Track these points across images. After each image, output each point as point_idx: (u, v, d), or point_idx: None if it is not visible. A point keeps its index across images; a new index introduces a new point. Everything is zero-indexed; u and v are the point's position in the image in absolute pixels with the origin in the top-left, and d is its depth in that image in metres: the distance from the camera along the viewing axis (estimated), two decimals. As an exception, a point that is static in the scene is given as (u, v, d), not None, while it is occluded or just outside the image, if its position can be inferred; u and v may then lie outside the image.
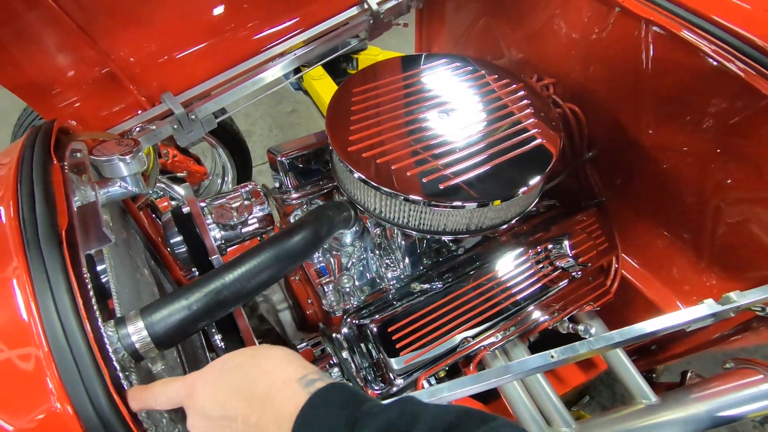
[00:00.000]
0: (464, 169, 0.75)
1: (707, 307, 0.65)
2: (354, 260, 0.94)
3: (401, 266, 0.92)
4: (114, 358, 0.46)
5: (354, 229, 0.93)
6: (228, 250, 1.01)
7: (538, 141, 0.80)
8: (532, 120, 0.84)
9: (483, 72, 0.94)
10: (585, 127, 1.01)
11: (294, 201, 1.03)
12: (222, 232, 1.00)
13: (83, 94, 0.89)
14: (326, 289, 0.91)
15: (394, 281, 0.91)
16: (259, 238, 1.08)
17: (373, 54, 2.60)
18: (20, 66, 0.78)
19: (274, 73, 1.09)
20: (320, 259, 0.96)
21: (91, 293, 0.48)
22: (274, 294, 0.95)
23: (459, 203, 0.71)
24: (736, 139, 0.77)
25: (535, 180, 0.74)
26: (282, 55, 1.10)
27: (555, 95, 1.03)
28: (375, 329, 0.77)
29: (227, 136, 1.63)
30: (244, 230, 1.03)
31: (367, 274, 0.94)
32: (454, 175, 0.74)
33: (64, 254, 0.48)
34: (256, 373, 0.43)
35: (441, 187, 0.72)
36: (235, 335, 0.79)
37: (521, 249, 0.91)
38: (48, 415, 0.43)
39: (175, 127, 0.96)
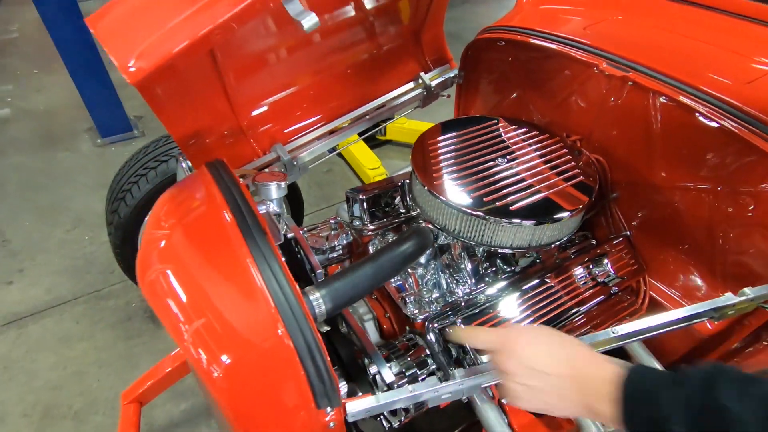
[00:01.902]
0: (525, 197, 0.98)
1: (726, 298, 0.84)
2: (428, 277, 1.13)
3: (468, 282, 1.11)
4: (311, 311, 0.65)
5: (430, 251, 1.14)
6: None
7: (580, 179, 1.04)
8: (572, 164, 1.08)
9: (526, 129, 1.20)
10: (608, 173, 1.25)
11: (370, 232, 1.24)
12: (315, 256, 1.20)
13: (216, 144, 1.13)
14: (408, 300, 1.09)
15: (463, 295, 1.09)
16: (340, 264, 1.27)
17: (399, 122, 2.94)
18: (184, 121, 1.03)
19: (345, 135, 1.35)
20: (397, 278, 1.15)
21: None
22: (360, 307, 1.12)
23: (520, 221, 0.92)
24: (733, 177, 1.01)
25: (581, 205, 0.96)
26: (352, 122, 1.38)
27: (582, 148, 1.29)
28: (460, 322, 0.94)
29: (294, 192, 1.88)
30: (331, 255, 1.24)
31: (439, 289, 1.12)
32: (516, 201, 0.96)
33: (272, 243, 0.68)
34: (563, 342, 0.60)
35: (510, 209, 0.94)
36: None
37: (566, 267, 1.11)
38: (276, 343, 0.61)
39: (281, 169, 1.20)
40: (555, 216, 0.94)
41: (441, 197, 0.98)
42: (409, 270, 1.15)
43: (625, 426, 0.52)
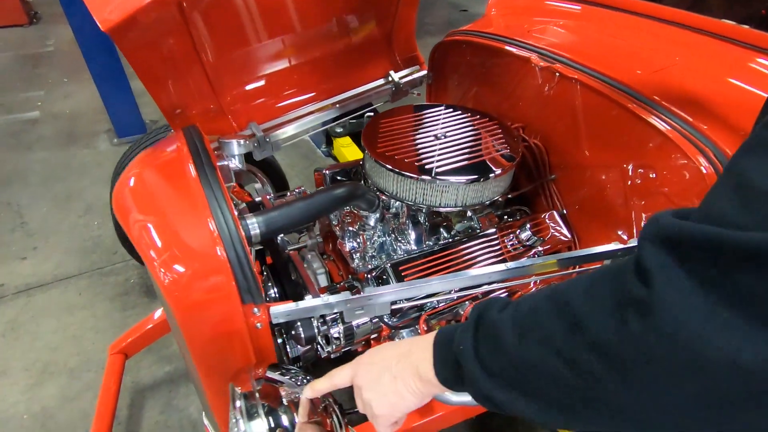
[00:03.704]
0: (456, 161, 1.13)
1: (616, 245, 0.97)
2: (375, 239, 1.28)
3: (410, 245, 1.26)
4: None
5: (376, 215, 1.29)
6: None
7: (505, 150, 1.19)
8: (501, 139, 1.24)
9: (469, 114, 1.36)
10: (546, 156, 1.39)
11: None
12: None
13: (198, 118, 1.32)
14: (354, 257, 1.24)
15: (403, 254, 1.24)
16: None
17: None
18: (168, 93, 1.22)
19: (316, 120, 1.53)
20: (350, 240, 1.30)
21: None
22: (315, 263, 1.27)
23: (451, 179, 1.07)
24: (638, 153, 1.14)
25: (500, 171, 1.11)
26: (324, 109, 1.56)
27: (524, 134, 1.44)
28: (389, 267, 1.08)
29: (276, 176, 2.06)
30: (294, 221, 1.39)
31: (383, 249, 1.27)
32: (448, 164, 1.12)
33: (220, 182, 0.85)
34: (390, 349, 0.61)
35: (440, 170, 1.10)
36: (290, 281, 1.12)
37: (496, 231, 1.25)
38: (214, 256, 0.77)
39: (256, 144, 1.38)
40: (477, 176, 1.09)
41: (383, 164, 1.14)
42: (360, 232, 1.30)
43: (438, 378, 0.54)
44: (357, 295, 0.86)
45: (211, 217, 0.81)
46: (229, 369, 0.85)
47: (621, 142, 1.18)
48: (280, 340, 1.04)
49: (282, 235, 1.26)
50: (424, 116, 1.35)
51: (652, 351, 0.34)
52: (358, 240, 1.28)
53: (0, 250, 2.38)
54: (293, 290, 1.10)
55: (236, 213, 0.88)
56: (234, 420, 0.68)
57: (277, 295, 1.13)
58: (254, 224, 0.86)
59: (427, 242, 1.27)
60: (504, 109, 1.55)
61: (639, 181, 1.16)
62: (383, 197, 1.29)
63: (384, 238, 1.28)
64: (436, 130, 1.28)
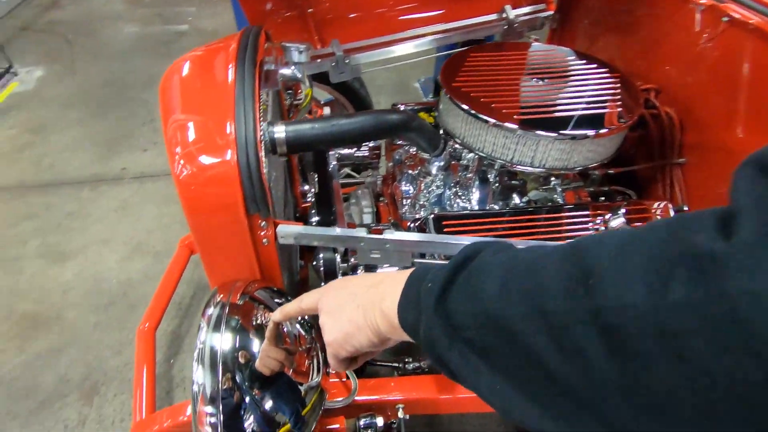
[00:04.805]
0: (547, 111, 0.91)
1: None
2: (433, 188, 1.12)
3: (470, 203, 1.08)
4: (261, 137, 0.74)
5: (439, 163, 1.13)
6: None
7: (617, 110, 0.92)
8: (617, 96, 0.96)
9: (585, 61, 1.09)
10: (678, 130, 1.07)
11: (400, 142, 1.27)
12: (340, 151, 1.28)
13: (282, 28, 1.26)
14: (404, 203, 1.11)
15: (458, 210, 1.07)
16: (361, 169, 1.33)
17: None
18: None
19: (405, 50, 1.37)
20: (406, 183, 1.17)
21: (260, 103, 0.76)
22: (364, 200, 1.17)
23: (538, 132, 0.86)
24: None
25: (599, 131, 0.86)
26: (417, 37, 1.38)
27: (656, 100, 1.12)
28: (432, 217, 0.94)
29: (359, 101, 1.97)
30: (356, 154, 1.30)
31: (439, 202, 1.11)
32: (537, 112, 0.90)
33: (256, 87, 0.77)
34: (364, 277, 0.54)
35: (524, 117, 0.89)
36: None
37: (580, 210, 1.00)
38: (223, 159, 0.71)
39: (333, 65, 1.29)
40: (567, 132, 0.86)
41: (457, 101, 0.96)
42: (419, 178, 1.16)
43: (398, 317, 0.44)
44: (373, 235, 0.74)
45: (233, 119, 0.74)
46: (233, 278, 0.81)
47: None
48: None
49: (335, 162, 1.17)
50: (526, 55, 1.12)
51: (706, 322, 0.22)
52: (415, 185, 1.14)
53: (130, 140, 2.73)
54: (328, 220, 1.02)
55: (267, 119, 0.81)
56: (199, 326, 0.63)
57: (315, 223, 1.07)
58: (281, 131, 0.77)
59: (491, 205, 1.08)
60: (638, 68, 1.22)
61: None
62: (455, 146, 1.12)
63: (443, 190, 1.12)
64: (536, 72, 1.04)
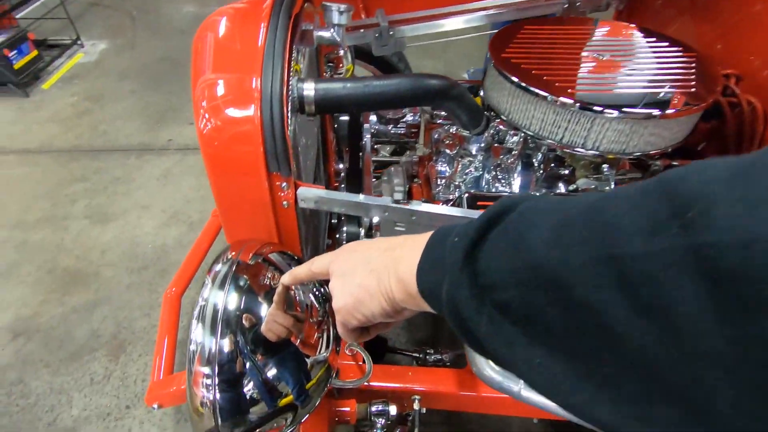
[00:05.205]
0: (606, 86, 0.81)
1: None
2: (471, 170, 1.04)
3: (510, 187, 0.99)
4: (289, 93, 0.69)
5: (480, 143, 1.05)
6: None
7: (689, 90, 0.80)
8: (692, 77, 0.84)
9: (655, 38, 0.97)
10: (761, 124, 0.93)
11: (440, 121, 1.19)
12: (376, 126, 1.22)
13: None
14: (439, 182, 1.03)
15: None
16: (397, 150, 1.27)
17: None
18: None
19: (454, 24, 1.28)
20: (442, 163, 1.10)
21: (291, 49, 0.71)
22: (397, 177, 1.11)
23: (595, 107, 0.77)
24: None
25: (665, 112, 0.75)
26: (469, 12, 1.29)
27: (736, 87, 0.98)
28: (466, 196, 0.86)
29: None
30: (392, 131, 1.24)
31: (476, 185, 1.03)
32: (594, 87, 0.80)
33: (288, 42, 0.72)
34: (381, 240, 0.47)
35: (578, 91, 0.80)
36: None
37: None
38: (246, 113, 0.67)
39: (376, 35, 1.23)
40: (632, 110, 0.76)
41: (505, 72, 0.88)
42: (457, 158, 1.08)
43: (417, 280, 0.38)
44: (398, 204, 0.68)
45: (260, 73, 0.69)
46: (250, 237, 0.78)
47: None
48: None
49: (369, 136, 1.11)
50: (587, 30, 1.01)
51: None
52: (452, 166, 1.06)
53: (177, 114, 2.80)
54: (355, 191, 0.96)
55: (297, 76, 0.76)
56: (203, 283, 0.60)
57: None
58: (311, 89, 0.72)
59: (534, 192, 0.99)
60: (717, 52, 1.08)
61: None
62: (499, 127, 1.03)
63: (482, 173, 1.04)
64: (598, 48, 0.94)
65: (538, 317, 0.25)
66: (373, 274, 0.44)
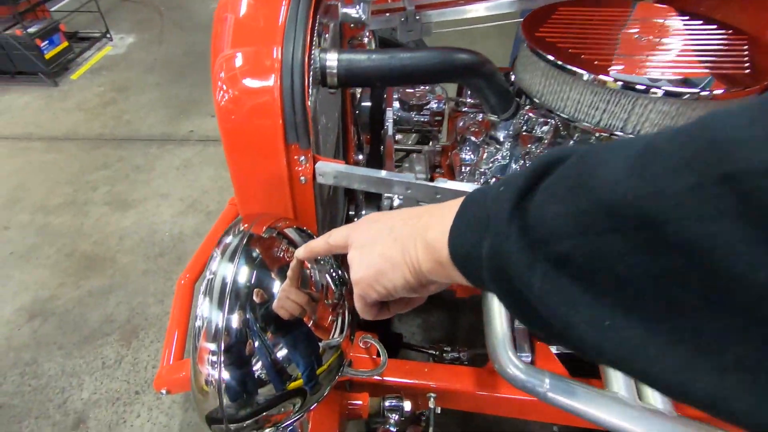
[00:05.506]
0: (649, 66, 0.75)
1: None
2: (498, 158, 0.99)
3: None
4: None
5: (508, 129, 0.99)
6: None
7: (741, 71, 0.74)
8: (745, 57, 0.78)
9: (703, 21, 0.90)
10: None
11: (466, 109, 1.14)
12: (399, 113, 1.18)
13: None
14: (463, 170, 0.98)
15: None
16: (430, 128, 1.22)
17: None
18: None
19: (483, 10, 1.23)
20: (467, 151, 1.05)
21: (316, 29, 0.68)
22: (419, 164, 1.07)
23: (638, 86, 0.71)
24: None
25: (715, 92, 0.69)
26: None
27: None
28: (493, 181, 0.81)
29: None
30: (415, 118, 1.19)
31: (502, 173, 0.98)
32: (636, 66, 0.75)
33: (311, 8, 0.69)
34: (404, 210, 0.44)
35: (616, 69, 0.74)
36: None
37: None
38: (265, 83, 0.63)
39: (402, 20, 1.19)
40: (679, 89, 0.70)
41: (540, 51, 0.83)
42: (483, 146, 1.03)
43: (449, 246, 0.34)
44: (422, 181, 0.64)
45: (281, 42, 0.66)
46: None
47: None
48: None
49: (392, 120, 1.07)
50: (627, 11, 0.95)
51: None
52: (477, 153, 1.01)
53: (199, 106, 2.82)
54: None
55: (320, 45, 0.72)
56: (212, 255, 0.56)
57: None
58: (334, 59, 0.69)
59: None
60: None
61: None
62: (529, 114, 0.98)
63: (509, 162, 0.99)
64: (639, 29, 0.88)
65: (611, 268, 0.21)
66: (396, 243, 0.40)
